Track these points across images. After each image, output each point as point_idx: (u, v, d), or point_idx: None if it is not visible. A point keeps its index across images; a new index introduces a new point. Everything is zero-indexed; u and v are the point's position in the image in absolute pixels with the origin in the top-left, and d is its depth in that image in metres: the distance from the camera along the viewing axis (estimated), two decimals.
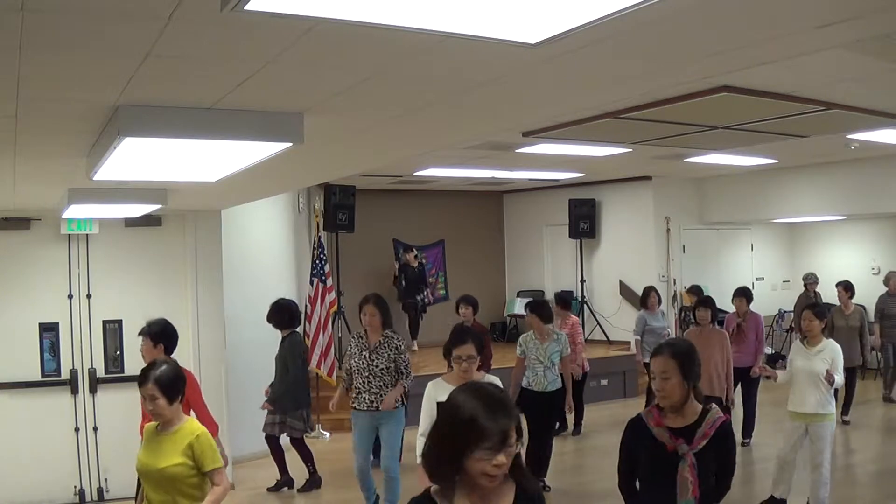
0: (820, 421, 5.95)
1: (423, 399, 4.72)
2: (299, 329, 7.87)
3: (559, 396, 7.17)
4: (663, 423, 3.34)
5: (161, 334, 5.10)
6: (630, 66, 2.82)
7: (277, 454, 7.48)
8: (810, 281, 11.83)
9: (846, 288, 9.84)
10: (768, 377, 6.58)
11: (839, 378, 5.94)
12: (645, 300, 9.73)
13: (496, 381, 4.54)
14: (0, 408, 6.98)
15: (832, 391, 5.99)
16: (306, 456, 7.49)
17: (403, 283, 12.50)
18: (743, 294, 8.72)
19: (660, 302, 9.98)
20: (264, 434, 7.45)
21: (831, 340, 6.11)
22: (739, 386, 8.36)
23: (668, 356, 3.33)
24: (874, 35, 2.74)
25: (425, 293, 12.85)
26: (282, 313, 7.45)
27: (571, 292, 13.58)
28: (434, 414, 4.46)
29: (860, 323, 9.67)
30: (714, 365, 7.42)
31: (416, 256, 12.65)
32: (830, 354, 5.97)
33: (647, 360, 9.67)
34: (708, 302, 7.99)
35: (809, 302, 10.94)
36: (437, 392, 4.54)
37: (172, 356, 4.80)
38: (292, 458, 7.56)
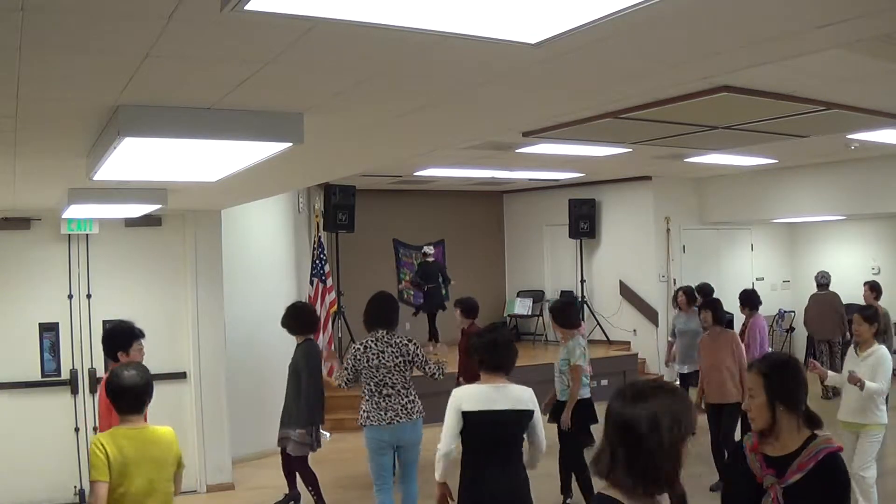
0: (860, 430, 5.56)
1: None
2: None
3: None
4: (759, 449, 2.90)
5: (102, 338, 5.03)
6: (630, 66, 2.82)
7: (287, 468, 6.98)
8: (824, 280, 11.53)
9: (872, 288, 9.65)
10: (814, 371, 5.69)
11: (873, 385, 5.47)
12: (675, 299, 9.50)
13: (522, 390, 4.28)
14: (0, 408, 6.99)
15: (879, 399, 5.54)
16: (306, 478, 6.82)
17: (420, 280, 12.33)
18: (742, 301, 8.40)
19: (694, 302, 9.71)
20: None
21: (881, 346, 5.66)
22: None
23: (756, 372, 2.91)
24: (874, 35, 2.74)
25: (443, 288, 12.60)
26: (292, 318, 6.89)
27: (571, 292, 13.60)
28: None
29: (887, 324, 9.43)
30: (727, 369, 7.02)
31: (428, 253, 12.55)
32: (874, 360, 5.55)
33: (681, 370, 9.50)
34: (709, 304, 7.78)
35: (832, 299, 10.83)
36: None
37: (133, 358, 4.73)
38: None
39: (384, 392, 5.71)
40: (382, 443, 5.71)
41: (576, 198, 13.18)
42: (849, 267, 12.67)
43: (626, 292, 12.95)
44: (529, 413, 4.22)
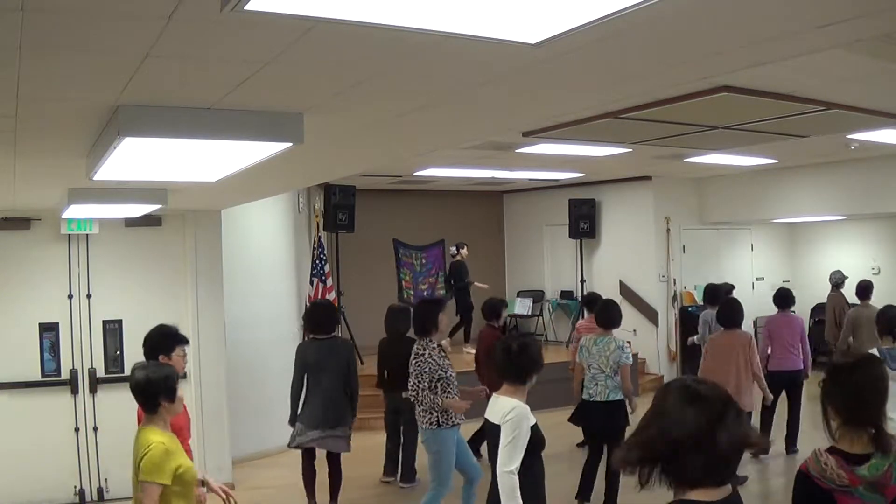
0: None
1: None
2: (341, 334, 7.13)
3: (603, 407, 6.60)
4: None
5: None
6: (630, 66, 2.82)
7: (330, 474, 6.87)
8: (832, 280, 11.24)
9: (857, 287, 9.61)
10: None
11: None
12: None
13: (505, 404, 3.93)
14: (0, 408, 6.99)
15: None
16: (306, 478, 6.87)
17: (453, 281, 12.33)
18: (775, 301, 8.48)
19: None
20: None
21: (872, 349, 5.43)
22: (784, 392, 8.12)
23: None
24: (874, 35, 2.74)
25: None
26: (304, 316, 6.95)
27: (571, 292, 13.60)
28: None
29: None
30: (737, 372, 6.92)
31: (454, 253, 12.52)
32: None
33: None
34: (722, 305, 7.62)
35: (839, 301, 10.77)
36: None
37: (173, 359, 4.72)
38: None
39: None
40: None
41: (576, 198, 13.18)
42: (849, 267, 12.64)
43: (626, 292, 12.95)
44: (498, 428, 3.90)
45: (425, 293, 12.96)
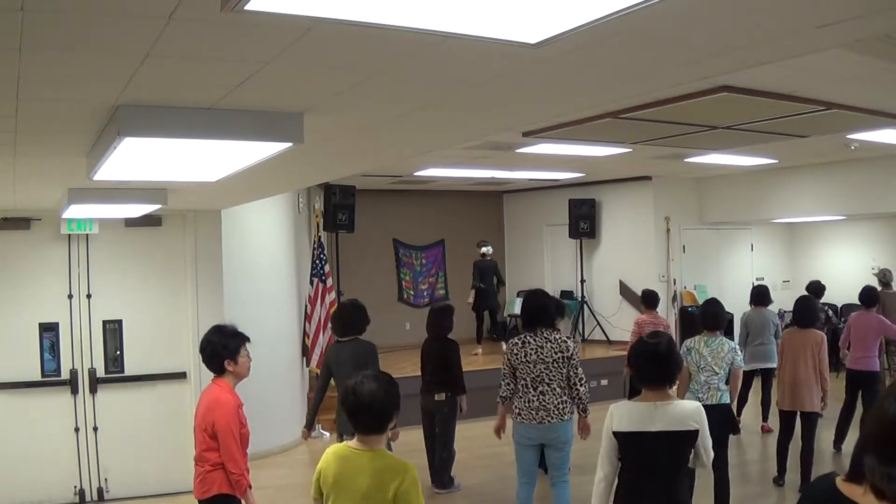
0: None
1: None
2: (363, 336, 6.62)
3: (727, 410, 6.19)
4: None
5: None
6: (630, 66, 2.82)
7: None
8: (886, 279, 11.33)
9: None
10: None
11: None
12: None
13: (683, 407, 3.74)
14: (0, 408, 6.99)
15: None
16: None
17: (481, 283, 12.39)
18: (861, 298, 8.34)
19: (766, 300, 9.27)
20: None
21: None
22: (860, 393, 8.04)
23: None
24: (874, 35, 2.74)
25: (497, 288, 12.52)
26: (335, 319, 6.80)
27: (571, 292, 13.60)
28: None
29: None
30: (806, 371, 6.78)
31: (487, 254, 12.53)
32: None
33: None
34: (797, 304, 7.30)
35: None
36: None
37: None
38: None
39: (539, 389, 5.65)
40: (529, 440, 5.69)
41: (576, 198, 13.19)
42: (849, 267, 12.66)
43: (626, 292, 12.95)
44: (693, 434, 3.67)
45: (425, 293, 12.97)
